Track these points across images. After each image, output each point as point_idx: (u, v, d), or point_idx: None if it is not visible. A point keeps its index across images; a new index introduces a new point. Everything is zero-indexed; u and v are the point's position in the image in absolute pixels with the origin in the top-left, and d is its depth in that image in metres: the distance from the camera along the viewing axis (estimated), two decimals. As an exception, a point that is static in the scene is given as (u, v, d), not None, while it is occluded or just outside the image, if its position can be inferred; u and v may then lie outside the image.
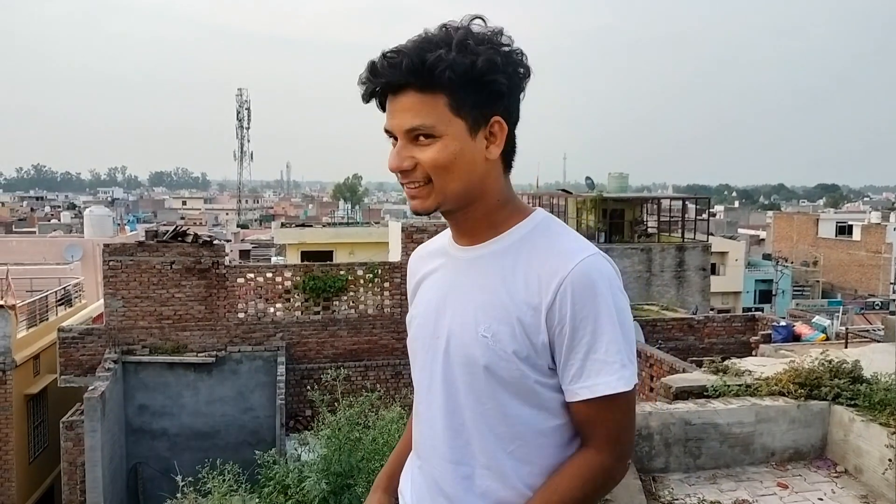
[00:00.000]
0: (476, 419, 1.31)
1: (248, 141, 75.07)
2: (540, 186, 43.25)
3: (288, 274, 13.88)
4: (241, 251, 35.88)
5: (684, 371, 8.66)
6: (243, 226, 59.09)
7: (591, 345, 1.24)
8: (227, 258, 14.67)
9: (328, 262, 15.74)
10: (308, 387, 13.78)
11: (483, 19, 1.24)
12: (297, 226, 26.41)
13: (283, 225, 28.51)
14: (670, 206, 27.62)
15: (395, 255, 14.46)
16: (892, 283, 41.07)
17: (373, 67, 1.22)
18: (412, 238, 13.81)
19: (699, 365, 8.71)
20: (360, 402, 4.15)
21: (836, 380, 5.94)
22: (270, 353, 13.50)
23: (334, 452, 4.15)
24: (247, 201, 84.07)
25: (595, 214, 23.66)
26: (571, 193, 27.71)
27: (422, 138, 1.22)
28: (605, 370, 1.23)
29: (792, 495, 5.21)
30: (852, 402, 5.69)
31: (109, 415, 11.69)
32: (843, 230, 46.20)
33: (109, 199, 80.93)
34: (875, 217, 50.12)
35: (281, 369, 13.15)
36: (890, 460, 5.06)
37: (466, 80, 1.19)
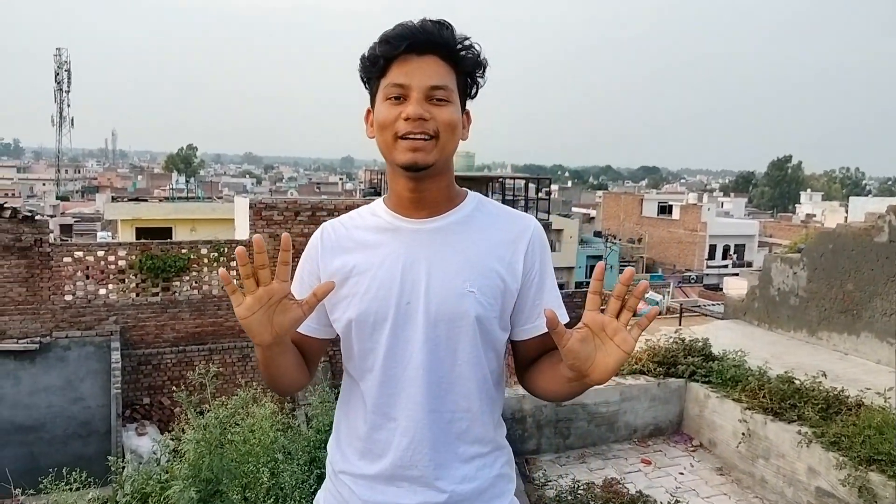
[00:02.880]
0: (456, 369, 1.45)
1: (69, 105, 68.64)
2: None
3: (122, 253, 12.79)
4: (62, 226, 32.90)
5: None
6: (63, 198, 54.37)
7: (551, 287, 1.53)
8: (51, 235, 13.33)
9: (168, 240, 14.69)
10: (144, 373, 12.92)
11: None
12: (130, 200, 24.46)
13: (113, 199, 26.37)
14: (514, 185, 28.39)
15: (241, 233, 13.74)
16: (706, 259, 44.73)
17: (424, 25, 1.38)
18: (261, 215, 13.19)
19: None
20: (234, 401, 3.80)
21: (690, 358, 6.24)
22: (103, 339, 12.42)
23: (203, 457, 3.79)
24: (67, 171, 77.37)
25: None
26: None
27: (437, 100, 1.39)
28: (560, 304, 1.52)
29: (655, 471, 5.42)
30: (706, 380, 6.00)
31: (-89, 412, 10.30)
32: (664, 210, 49.64)
33: None
34: (692, 198, 54.27)
35: (115, 355, 12.14)
36: (743, 434, 5.38)
37: (472, 70, 1.45)
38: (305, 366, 1.57)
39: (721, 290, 30.41)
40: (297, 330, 1.51)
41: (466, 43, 1.42)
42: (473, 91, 1.47)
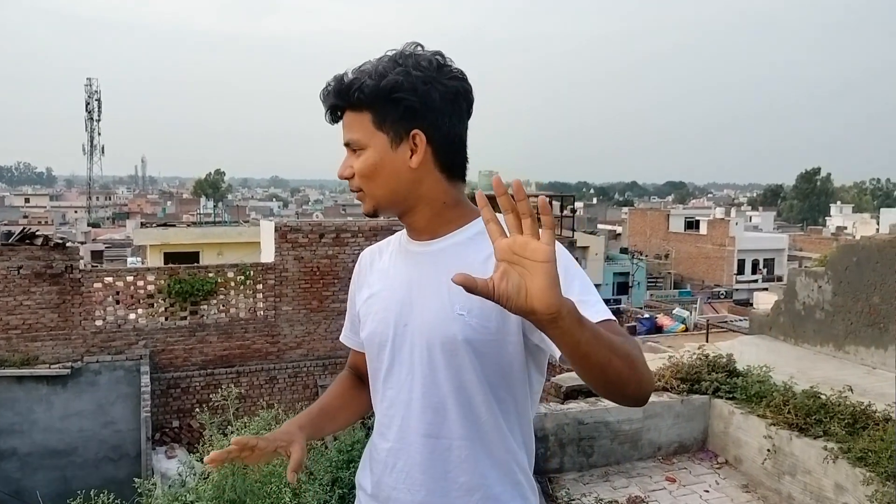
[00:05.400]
0: (454, 394, 1.40)
1: (99, 134, 70.28)
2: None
3: (151, 277, 13.03)
4: (93, 252, 33.48)
5: (571, 370, 8.80)
6: (94, 224, 55.34)
7: (566, 289, 1.18)
8: (81, 262, 13.59)
9: (195, 265, 14.91)
10: (173, 397, 13.07)
11: (421, 45, 1.42)
12: (158, 225, 24.86)
13: (142, 224, 26.82)
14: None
15: (267, 256, 13.90)
16: (735, 274, 44.23)
17: (326, 92, 1.43)
18: (286, 238, 13.34)
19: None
20: (256, 422, 3.87)
21: (713, 374, 6.19)
22: (133, 363, 12.61)
23: (226, 478, 3.85)
24: (98, 198, 78.95)
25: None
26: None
27: (355, 151, 1.42)
28: (583, 307, 1.17)
29: (680, 489, 5.38)
30: (731, 396, 5.95)
31: (-52, 437, 10.52)
32: (692, 225, 49.20)
33: (-62, 195, 73.60)
34: (719, 213, 53.78)
35: (145, 379, 12.31)
36: (768, 450, 5.32)
37: (378, 100, 1.37)
38: (360, 395, 1.69)
39: (751, 305, 30.02)
40: (353, 348, 1.71)
41: (354, 87, 1.37)
42: (405, 113, 1.36)
